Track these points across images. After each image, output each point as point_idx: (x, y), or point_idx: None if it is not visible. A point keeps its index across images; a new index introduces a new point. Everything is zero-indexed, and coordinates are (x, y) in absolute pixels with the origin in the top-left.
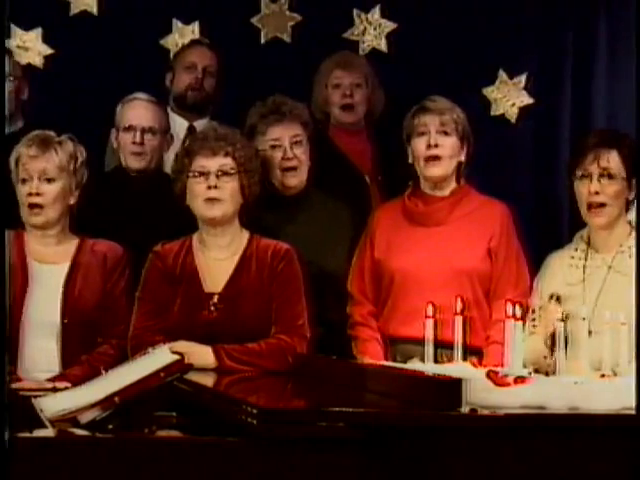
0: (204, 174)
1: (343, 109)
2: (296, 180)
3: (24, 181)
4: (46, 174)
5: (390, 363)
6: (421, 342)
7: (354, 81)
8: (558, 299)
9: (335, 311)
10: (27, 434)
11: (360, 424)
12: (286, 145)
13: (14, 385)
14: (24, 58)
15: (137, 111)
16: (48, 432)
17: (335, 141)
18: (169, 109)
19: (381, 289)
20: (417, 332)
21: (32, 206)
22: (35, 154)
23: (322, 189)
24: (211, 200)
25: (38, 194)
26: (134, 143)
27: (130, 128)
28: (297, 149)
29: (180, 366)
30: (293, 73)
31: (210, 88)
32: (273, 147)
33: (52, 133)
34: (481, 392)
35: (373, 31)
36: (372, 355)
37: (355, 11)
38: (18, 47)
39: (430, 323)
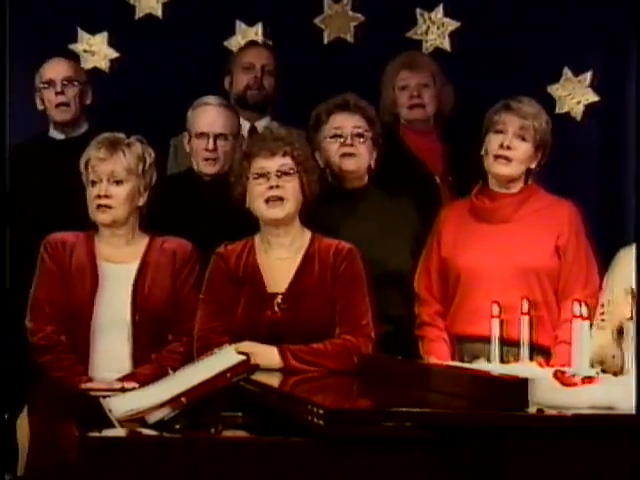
0: (264, 175)
1: (411, 109)
2: (354, 165)
3: (93, 183)
4: (115, 176)
5: (456, 363)
6: (487, 341)
7: (421, 81)
8: (629, 293)
9: (400, 310)
10: (97, 434)
11: (427, 424)
12: (347, 134)
13: (84, 385)
14: (90, 62)
15: (209, 117)
16: (118, 432)
17: (405, 142)
18: None
19: (448, 288)
20: (483, 331)
21: (100, 207)
22: (104, 156)
23: (389, 189)
24: (273, 200)
25: (107, 196)
26: (207, 150)
27: (203, 135)
28: (357, 140)
29: (246, 367)
30: (356, 73)
31: (269, 87)
32: (334, 136)
33: (121, 135)
34: (548, 392)
35: (436, 30)
36: (439, 355)
37: (418, 10)
38: (85, 51)
39: (496, 322)
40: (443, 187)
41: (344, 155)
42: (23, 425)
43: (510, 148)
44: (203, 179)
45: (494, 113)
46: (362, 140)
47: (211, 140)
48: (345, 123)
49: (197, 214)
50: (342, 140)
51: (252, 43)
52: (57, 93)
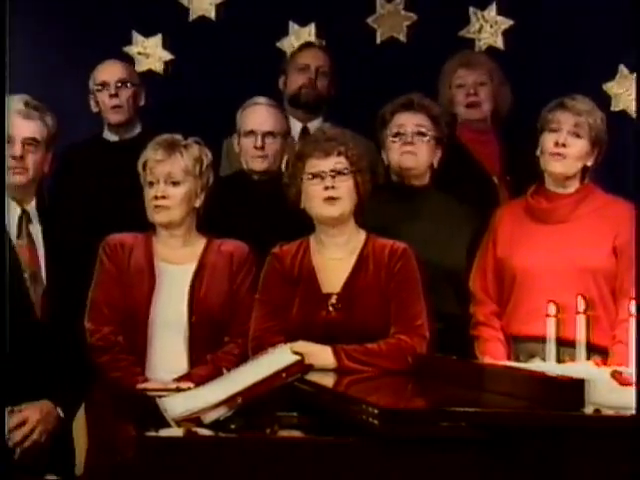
0: (319, 175)
1: (468, 107)
2: (412, 163)
3: (151, 184)
4: (172, 177)
5: (511, 363)
6: (543, 341)
7: (478, 79)
8: None
9: (453, 308)
10: (154, 434)
11: (482, 424)
12: (408, 132)
13: (140, 385)
14: (145, 64)
15: (257, 116)
16: (174, 432)
17: (462, 141)
18: None
19: (503, 288)
20: (539, 331)
21: (157, 207)
22: (161, 158)
23: (447, 188)
24: (329, 200)
25: (164, 197)
26: (256, 148)
27: (251, 133)
28: (419, 139)
29: (301, 367)
30: (409, 73)
31: (323, 88)
32: (396, 134)
33: (179, 136)
34: (605, 392)
35: (489, 28)
36: (494, 355)
37: (471, 9)
38: (139, 54)
39: (552, 322)
40: (500, 187)
41: (404, 153)
42: (80, 425)
43: (565, 145)
44: (253, 179)
45: (548, 112)
46: (424, 139)
47: (259, 138)
48: (407, 121)
49: (248, 214)
50: (403, 138)
51: (308, 44)
52: (111, 95)
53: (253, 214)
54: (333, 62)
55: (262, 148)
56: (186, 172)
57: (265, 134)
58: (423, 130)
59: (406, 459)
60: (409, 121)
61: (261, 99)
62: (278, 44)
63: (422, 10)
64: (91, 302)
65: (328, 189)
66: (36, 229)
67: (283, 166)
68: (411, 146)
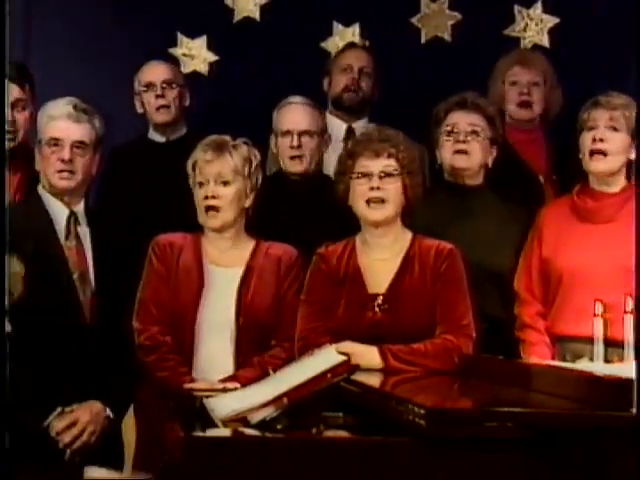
0: (367, 175)
1: (519, 106)
2: (465, 162)
3: (201, 185)
4: (222, 177)
5: (558, 363)
6: (590, 341)
7: (532, 79)
8: None
9: (498, 309)
10: (201, 434)
11: (529, 424)
12: (461, 131)
13: (187, 385)
14: (190, 66)
15: (293, 115)
16: (221, 432)
17: (509, 139)
18: (327, 112)
19: (549, 288)
20: (585, 331)
21: (209, 208)
22: (211, 158)
23: (494, 188)
24: (374, 201)
25: (214, 197)
26: (292, 147)
27: (287, 132)
28: (471, 138)
29: (347, 367)
30: (454, 72)
31: (367, 89)
32: (449, 133)
33: (227, 137)
34: None
35: (535, 27)
36: (540, 357)
37: (516, 7)
38: (184, 55)
39: (599, 322)
40: (546, 186)
41: (456, 152)
42: (130, 424)
43: (603, 140)
44: (291, 178)
45: (584, 112)
46: (477, 138)
47: (295, 137)
48: (460, 120)
49: (288, 214)
50: (456, 137)
51: (351, 45)
52: (157, 96)
53: (292, 213)
54: (376, 62)
55: (299, 147)
56: (235, 172)
57: (301, 133)
58: (477, 129)
59: (453, 459)
60: (462, 120)
61: (296, 98)
62: (322, 44)
63: (467, 9)
64: (139, 302)
65: (374, 190)
66: (84, 230)
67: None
68: (464, 145)
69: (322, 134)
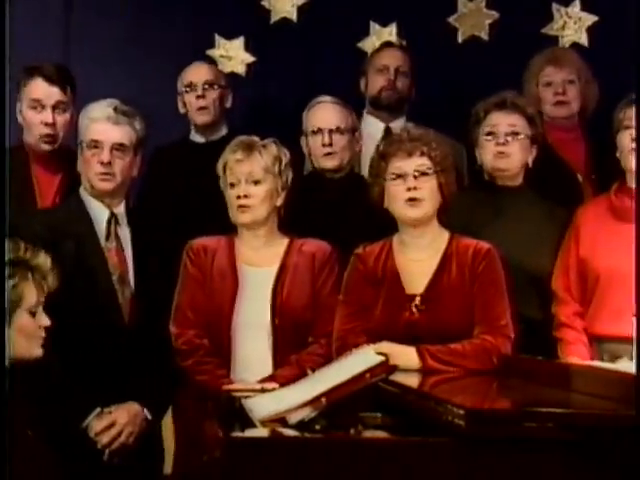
0: (402, 176)
1: (556, 106)
2: (505, 164)
3: (232, 185)
4: (253, 176)
5: (597, 363)
6: (628, 341)
7: (566, 77)
8: None
9: (535, 309)
10: (240, 434)
11: (570, 425)
12: (501, 132)
13: (225, 387)
14: (227, 67)
15: (323, 113)
16: (260, 432)
17: (548, 139)
18: (365, 112)
19: (586, 287)
20: (624, 331)
21: (241, 207)
22: (241, 158)
23: (534, 187)
24: (411, 201)
25: (246, 196)
26: (324, 145)
27: (318, 131)
28: (512, 139)
29: (385, 367)
30: (491, 71)
31: (404, 88)
32: (489, 134)
33: (256, 138)
34: None
35: (573, 25)
36: (578, 357)
37: (554, 5)
38: (221, 56)
39: (637, 322)
40: (585, 185)
41: (497, 154)
42: (169, 426)
43: None
44: (324, 177)
45: (619, 111)
46: (517, 139)
47: (326, 135)
48: (501, 121)
49: (323, 213)
50: (496, 138)
51: (387, 44)
52: (198, 96)
53: (328, 213)
54: (413, 62)
55: (330, 145)
56: (266, 171)
57: (332, 131)
58: (517, 130)
59: (492, 460)
60: (502, 121)
61: (326, 97)
62: (359, 45)
63: (504, 8)
64: (176, 306)
65: (410, 190)
66: (124, 232)
67: (359, 163)
68: (504, 146)
69: (353, 132)
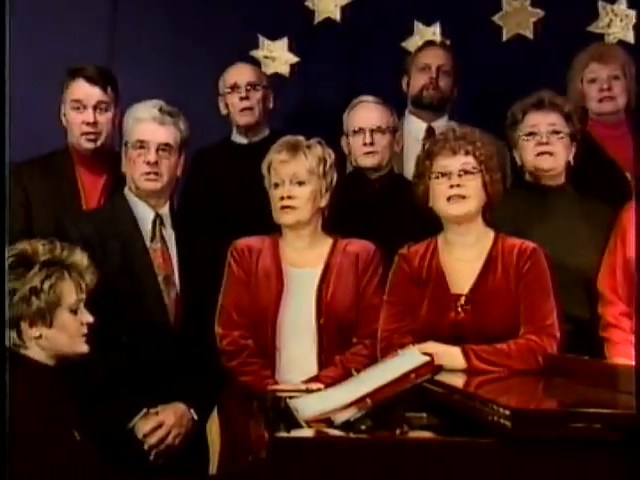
0: (446, 174)
1: (601, 102)
2: (549, 164)
3: (276, 185)
4: (297, 177)
5: None
6: None
7: (611, 73)
8: None
9: (583, 309)
10: (285, 434)
11: (617, 426)
12: (542, 132)
13: (271, 387)
14: (271, 68)
15: (364, 113)
16: (305, 432)
17: (594, 136)
18: (407, 111)
19: (633, 287)
20: None
21: (284, 208)
22: (285, 159)
23: (580, 187)
24: (455, 198)
25: (290, 197)
26: (365, 144)
27: (360, 130)
28: (553, 138)
29: (430, 368)
30: (536, 70)
31: (446, 87)
32: (529, 134)
33: (301, 138)
34: None
35: (619, 22)
36: (625, 358)
37: (600, 3)
38: (265, 57)
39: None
40: (635, 184)
41: (540, 154)
42: (214, 427)
43: None
44: (365, 176)
45: None
46: (558, 137)
47: (368, 134)
48: (540, 121)
49: (365, 214)
50: (538, 138)
51: (429, 43)
52: (241, 98)
53: (369, 212)
54: (456, 61)
55: (371, 144)
56: (310, 172)
57: (373, 130)
58: (557, 128)
59: (538, 460)
60: (542, 121)
61: (367, 97)
62: (403, 44)
63: (549, 6)
64: (221, 307)
65: (454, 187)
66: (169, 233)
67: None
68: (546, 146)
69: (393, 132)
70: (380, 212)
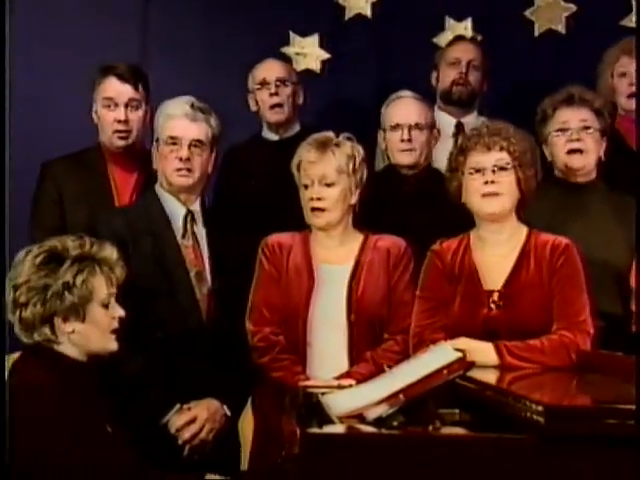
0: (480, 170)
1: (631, 98)
2: (581, 161)
3: (306, 186)
4: (326, 179)
5: None
6: None
7: None
8: None
9: (615, 306)
10: (317, 430)
11: None
12: (573, 128)
13: (302, 383)
14: (302, 64)
15: (403, 109)
16: (337, 428)
17: (622, 131)
18: (436, 107)
19: None
20: None
21: (314, 210)
22: (314, 159)
23: (610, 182)
24: (489, 195)
25: (319, 199)
26: (402, 140)
27: (397, 126)
28: (584, 134)
29: (463, 364)
30: (568, 65)
31: (475, 82)
32: (560, 130)
33: (330, 134)
34: None
35: None
36: None
37: None
38: (297, 54)
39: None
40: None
41: (570, 152)
42: (246, 422)
43: None
44: (401, 173)
45: None
46: (589, 133)
47: (406, 130)
48: (571, 117)
49: (399, 209)
50: (568, 134)
51: (459, 38)
52: (271, 94)
53: (403, 208)
54: (486, 56)
55: (409, 141)
56: (339, 171)
57: (411, 126)
58: (588, 124)
59: (571, 457)
60: (573, 117)
61: (406, 92)
62: (434, 40)
63: (581, 0)
64: (252, 303)
65: (488, 184)
66: (200, 230)
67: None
68: (577, 143)
69: (431, 128)
70: (416, 208)
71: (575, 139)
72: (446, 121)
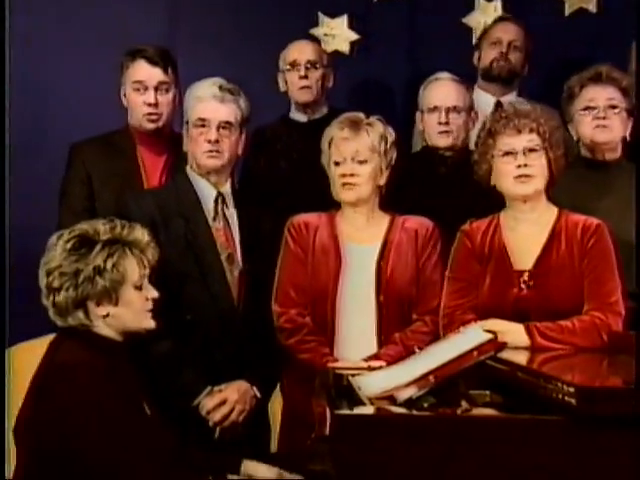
0: (511, 153)
1: None
2: (606, 137)
3: (337, 163)
4: (359, 156)
5: None
6: None
7: None
8: None
9: None
10: (348, 411)
11: None
12: (600, 106)
13: (331, 364)
14: (331, 45)
15: (440, 91)
16: (368, 410)
17: None
18: (476, 86)
19: None
20: None
21: (346, 185)
22: (348, 136)
23: (635, 160)
24: (521, 177)
25: (352, 175)
26: (440, 123)
27: (435, 109)
28: (611, 112)
29: (494, 345)
30: (599, 44)
31: (516, 61)
32: (587, 108)
33: (362, 114)
34: None
35: None
36: None
37: None
38: (325, 35)
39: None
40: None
41: (597, 127)
42: (276, 404)
43: None
44: (438, 154)
45: None
46: (616, 112)
47: (443, 113)
48: (598, 95)
49: (434, 191)
50: (595, 112)
51: (501, 19)
52: (300, 77)
53: (439, 190)
54: (528, 38)
55: (447, 123)
56: (372, 150)
57: (449, 109)
58: (615, 103)
59: (604, 438)
60: (600, 95)
61: (444, 74)
62: (464, 20)
63: None
64: (278, 284)
65: (520, 167)
66: (231, 212)
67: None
68: (604, 120)
69: (469, 111)
70: (452, 189)
71: (601, 117)
72: (485, 100)
